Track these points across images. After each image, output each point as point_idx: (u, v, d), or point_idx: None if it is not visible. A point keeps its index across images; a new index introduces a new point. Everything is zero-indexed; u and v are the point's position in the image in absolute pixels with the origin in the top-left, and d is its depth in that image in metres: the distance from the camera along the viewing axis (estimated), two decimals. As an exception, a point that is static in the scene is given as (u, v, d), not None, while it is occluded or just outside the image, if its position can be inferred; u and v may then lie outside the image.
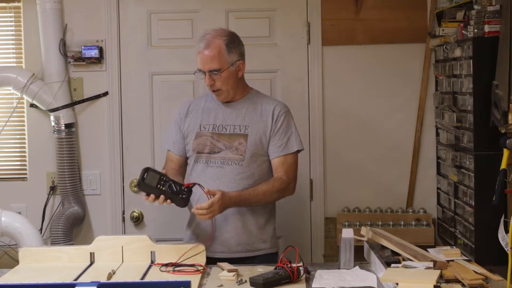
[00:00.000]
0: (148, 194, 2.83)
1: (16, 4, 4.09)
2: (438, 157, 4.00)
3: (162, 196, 2.81)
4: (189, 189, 2.86)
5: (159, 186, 2.81)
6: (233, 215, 3.03)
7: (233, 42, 3.06)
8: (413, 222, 3.87)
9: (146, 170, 2.83)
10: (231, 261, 2.84)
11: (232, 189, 2.98)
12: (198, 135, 3.11)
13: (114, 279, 2.54)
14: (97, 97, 4.08)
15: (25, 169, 4.14)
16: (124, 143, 4.10)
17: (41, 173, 4.10)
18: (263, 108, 3.10)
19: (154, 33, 4.09)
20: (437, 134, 3.97)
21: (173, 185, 2.83)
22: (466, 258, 2.58)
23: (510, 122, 2.98)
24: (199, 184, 2.91)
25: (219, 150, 3.06)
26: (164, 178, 2.83)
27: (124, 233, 4.07)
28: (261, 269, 2.66)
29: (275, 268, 2.53)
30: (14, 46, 4.12)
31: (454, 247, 2.75)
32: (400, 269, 2.37)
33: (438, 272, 2.25)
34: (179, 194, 2.82)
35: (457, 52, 3.44)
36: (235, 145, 3.05)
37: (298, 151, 3.13)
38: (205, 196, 2.88)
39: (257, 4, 4.05)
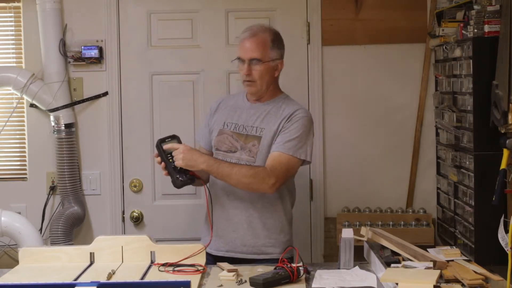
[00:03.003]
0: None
1: (16, 4, 4.08)
2: (438, 157, 4.00)
3: (163, 164, 2.87)
4: (190, 177, 2.87)
5: (169, 156, 2.85)
6: (239, 215, 3.01)
7: (278, 40, 3.06)
8: (413, 222, 3.87)
9: (173, 137, 2.90)
10: (237, 261, 2.84)
11: (242, 192, 2.96)
12: (220, 132, 3.09)
13: (114, 279, 2.54)
14: (97, 97, 4.08)
15: (25, 169, 4.14)
16: (124, 143, 4.09)
17: (41, 173, 4.10)
18: (284, 112, 3.02)
19: (154, 33, 4.09)
20: (437, 134, 3.97)
21: None
22: (466, 258, 2.58)
23: (510, 122, 2.98)
24: (206, 186, 2.96)
25: (235, 150, 3.03)
26: None
27: (124, 233, 4.07)
28: (261, 269, 2.66)
29: (275, 268, 2.52)
30: (14, 46, 4.11)
31: (454, 247, 2.74)
32: (400, 269, 2.37)
33: (438, 272, 2.25)
34: (177, 174, 2.85)
35: (457, 52, 3.44)
36: (249, 146, 3.01)
37: (303, 161, 2.98)
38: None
39: (257, 4, 4.05)
